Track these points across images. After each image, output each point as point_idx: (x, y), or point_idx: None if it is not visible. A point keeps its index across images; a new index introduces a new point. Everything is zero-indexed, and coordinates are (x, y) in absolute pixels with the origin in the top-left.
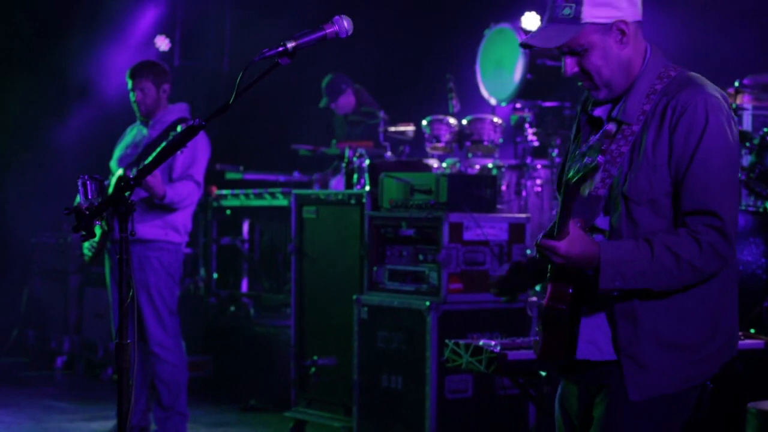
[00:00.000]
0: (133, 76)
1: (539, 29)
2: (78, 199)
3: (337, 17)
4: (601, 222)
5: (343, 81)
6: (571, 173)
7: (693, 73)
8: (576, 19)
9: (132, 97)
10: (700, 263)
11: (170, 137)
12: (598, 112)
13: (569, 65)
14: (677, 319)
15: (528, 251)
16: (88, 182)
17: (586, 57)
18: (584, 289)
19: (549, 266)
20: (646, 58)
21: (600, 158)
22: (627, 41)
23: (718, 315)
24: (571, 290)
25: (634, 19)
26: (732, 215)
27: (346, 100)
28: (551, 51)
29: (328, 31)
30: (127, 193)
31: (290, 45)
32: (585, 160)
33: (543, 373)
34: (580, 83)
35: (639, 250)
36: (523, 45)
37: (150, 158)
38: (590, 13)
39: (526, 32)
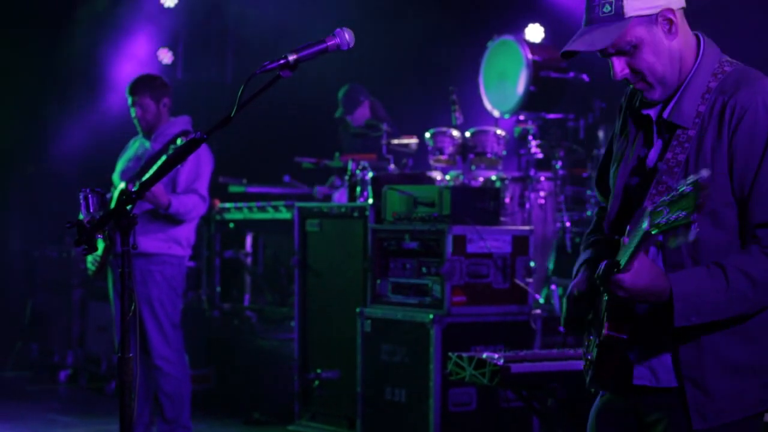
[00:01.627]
0: (132, 92)
1: (580, 32)
2: (81, 212)
3: (338, 30)
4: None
5: (360, 92)
6: (649, 225)
7: (748, 68)
8: (618, 15)
9: (132, 112)
10: None
11: (171, 150)
12: (647, 110)
13: (618, 67)
14: (743, 339)
15: (532, 263)
16: (89, 196)
17: (636, 55)
18: (648, 317)
19: (604, 294)
20: (700, 52)
21: (694, 216)
22: (675, 30)
23: None
24: (630, 322)
25: (679, 5)
26: None
27: (362, 113)
28: (558, 63)
29: (329, 43)
30: (128, 207)
31: (291, 57)
32: (672, 216)
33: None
34: (630, 85)
35: (713, 279)
36: (566, 54)
37: (152, 171)
38: (632, 6)
39: (530, 44)
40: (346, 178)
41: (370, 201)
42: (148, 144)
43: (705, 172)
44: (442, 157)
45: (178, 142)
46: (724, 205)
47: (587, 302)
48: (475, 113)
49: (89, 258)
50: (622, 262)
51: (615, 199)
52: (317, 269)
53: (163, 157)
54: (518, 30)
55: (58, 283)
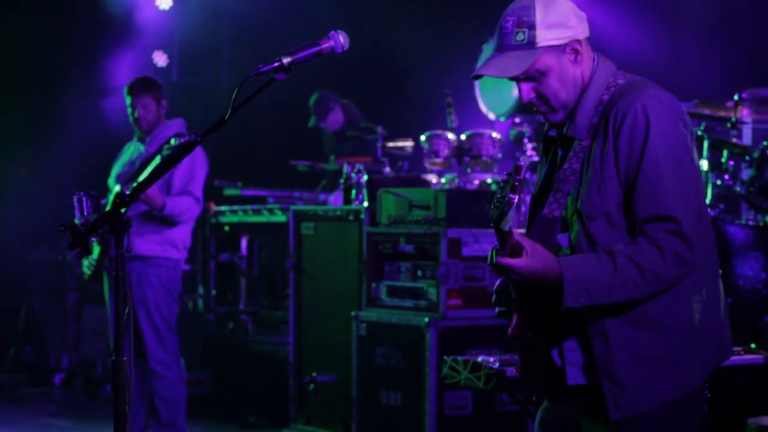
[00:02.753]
0: (132, 93)
1: (492, 58)
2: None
3: (332, 32)
4: (563, 240)
5: (330, 99)
6: (491, 209)
7: (640, 78)
8: (531, 44)
9: (132, 113)
10: (663, 271)
11: (165, 153)
12: (553, 132)
13: (525, 92)
14: (649, 331)
15: None
16: (84, 199)
17: (544, 81)
18: (553, 312)
19: (513, 293)
20: (593, 70)
21: (510, 195)
22: (581, 59)
23: (698, 321)
24: (538, 318)
25: (584, 35)
26: (691, 217)
27: (335, 118)
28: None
29: (323, 46)
30: (122, 210)
31: (286, 60)
32: (498, 196)
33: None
34: (534, 109)
35: (602, 264)
36: (476, 77)
37: (146, 173)
38: (544, 37)
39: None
40: (342, 181)
41: (366, 204)
42: (142, 148)
43: (523, 160)
44: (438, 160)
45: (172, 142)
46: (617, 207)
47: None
48: (471, 116)
49: (85, 261)
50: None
51: (529, 216)
52: (312, 272)
53: (158, 159)
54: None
55: (53, 286)
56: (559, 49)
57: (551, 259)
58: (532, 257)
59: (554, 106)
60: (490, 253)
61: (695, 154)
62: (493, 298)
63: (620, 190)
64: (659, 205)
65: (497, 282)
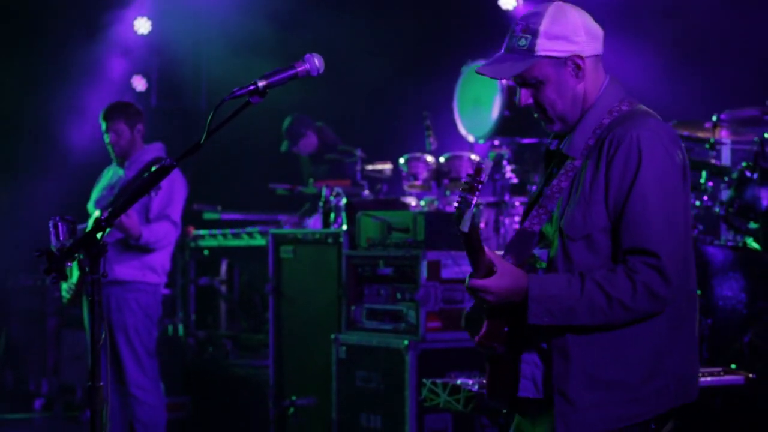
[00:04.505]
0: (106, 118)
1: (495, 57)
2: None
3: (308, 55)
4: (543, 255)
5: (302, 124)
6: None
7: (642, 107)
8: (530, 51)
9: (106, 138)
10: (631, 303)
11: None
12: (554, 145)
13: (523, 96)
14: (611, 357)
15: None
16: (59, 224)
17: (541, 90)
18: (521, 326)
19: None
20: (601, 92)
21: (469, 196)
22: (583, 75)
23: (661, 355)
24: (506, 329)
25: (592, 53)
26: (673, 254)
27: (307, 142)
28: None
29: (299, 69)
30: (98, 234)
31: (261, 84)
32: (458, 198)
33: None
34: (535, 115)
35: (569, 287)
36: (479, 73)
37: (123, 199)
38: (544, 47)
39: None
40: (320, 204)
41: (344, 227)
42: (122, 172)
43: (487, 162)
44: (417, 183)
45: (152, 169)
46: (600, 231)
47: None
48: (450, 138)
49: (63, 286)
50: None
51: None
52: (292, 296)
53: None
54: (493, 53)
55: (32, 311)
56: (559, 61)
57: (520, 276)
58: (501, 276)
59: (550, 116)
60: (467, 278)
61: (688, 187)
62: (463, 323)
63: (606, 216)
64: (642, 238)
65: (467, 307)
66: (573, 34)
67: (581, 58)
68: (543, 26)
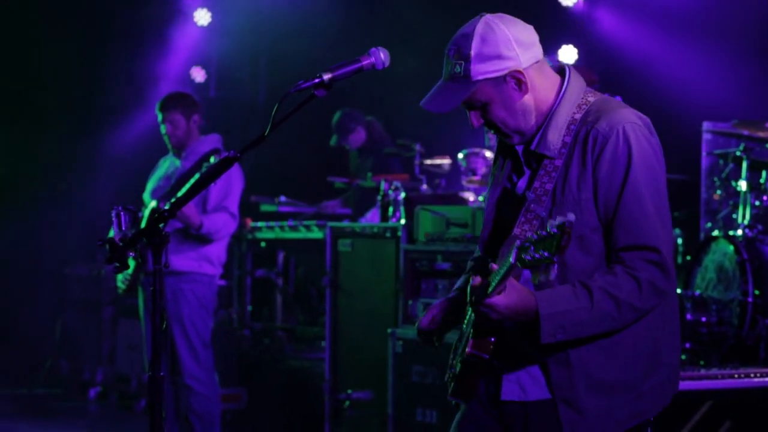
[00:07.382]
0: (162, 109)
1: (436, 89)
2: (112, 230)
3: (373, 49)
4: None
5: (351, 119)
6: (515, 259)
7: (610, 98)
8: (466, 77)
9: (162, 129)
10: (639, 303)
11: (203, 168)
12: (515, 140)
13: (474, 119)
14: (611, 357)
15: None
16: (122, 213)
17: (488, 110)
18: (508, 336)
19: (468, 313)
20: (562, 90)
21: (556, 258)
22: (526, 88)
23: (659, 347)
24: (494, 339)
25: (531, 62)
26: (669, 246)
27: (356, 138)
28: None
29: (364, 63)
30: (160, 225)
31: (326, 77)
32: (537, 255)
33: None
34: (491, 132)
35: (578, 299)
36: (422, 107)
37: (184, 190)
38: (479, 70)
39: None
40: (379, 198)
41: (403, 221)
42: (178, 162)
43: (571, 216)
44: (475, 178)
45: (212, 160)
46: (591, 230)
47: (439, 332)
48: None
49: (119, 276)
50: (490, 288)
51: (487, 224)
52: (349, 289)
53: (196, 176)
54: (551, 50)
55: (88, 300)
56: (498, 79)
57: (526, 294)
58: (509, 293)
59: (505, 132)
60: (468, 289)
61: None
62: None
63: (596, 214)
64: (641, 234)
65: (422, 320)
66: (506, 50)
67: (520, 71)
68: (473, 50)
